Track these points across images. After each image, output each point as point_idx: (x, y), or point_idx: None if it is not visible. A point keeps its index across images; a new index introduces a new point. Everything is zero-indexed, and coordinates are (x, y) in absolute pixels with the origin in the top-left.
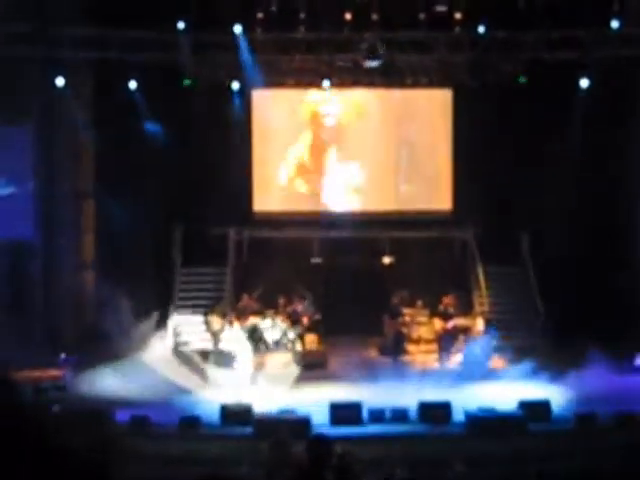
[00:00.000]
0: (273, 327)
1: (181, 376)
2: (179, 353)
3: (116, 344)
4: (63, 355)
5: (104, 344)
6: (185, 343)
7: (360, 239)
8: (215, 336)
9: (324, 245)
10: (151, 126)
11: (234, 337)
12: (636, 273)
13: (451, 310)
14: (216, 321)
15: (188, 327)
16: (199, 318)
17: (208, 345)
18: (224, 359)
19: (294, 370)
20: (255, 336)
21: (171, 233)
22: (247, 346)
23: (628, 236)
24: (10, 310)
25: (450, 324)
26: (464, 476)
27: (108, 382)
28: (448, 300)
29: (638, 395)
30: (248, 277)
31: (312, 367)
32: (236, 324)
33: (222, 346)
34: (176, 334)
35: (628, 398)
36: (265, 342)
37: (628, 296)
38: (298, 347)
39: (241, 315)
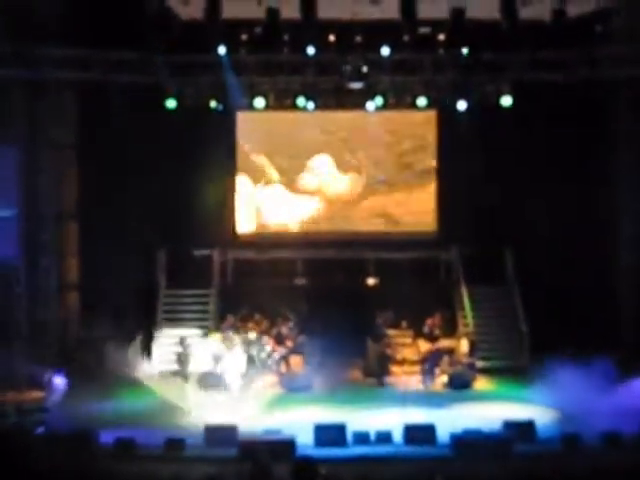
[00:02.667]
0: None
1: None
2: (164, 375)
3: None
4: (47, 376)
5: (87, 366)
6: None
7: (344, 260)
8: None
9: (308, 266)
10: None
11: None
12: (619, 291)
13: (437, 331)
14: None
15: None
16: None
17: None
18: (209, 380)
19: (274, 391)
20: (250, 351)
21: (155, 255)
22: (241, 364)
23: (612, 255)
24: None
25: (436, 346)
26: None
27: (93, 404)
28: (432, 321)
29: (623, 414)
30: (232, 299)
31: (297, 389)
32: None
33: (204, 366)
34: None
35: (613, 417)
36: (257, 359)
37: (612, 314)
38: (282, 369)
39: (226, 337)
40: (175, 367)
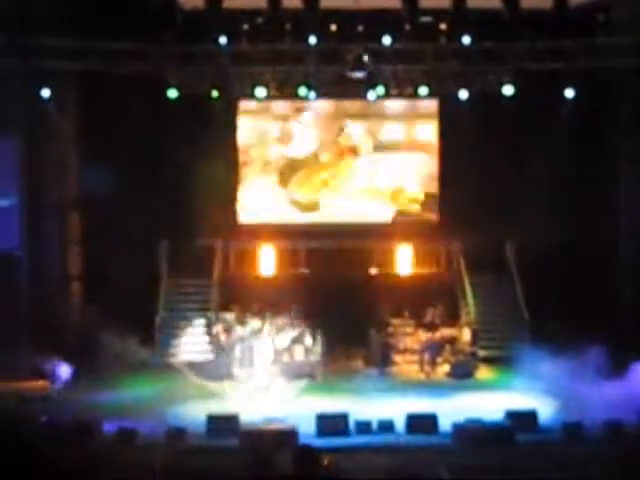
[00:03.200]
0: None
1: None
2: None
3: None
4: (50, 366)
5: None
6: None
7: (347, 250)
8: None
9: (311, 256)
10: None
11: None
12: (621, 281)
13: (437, 321)
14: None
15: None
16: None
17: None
18: (211, 370)
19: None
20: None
21: (157, 245)
22: (270, 352)
23: (613, 244)
24: None
25: (438, 335)
26: None
27: (96, 393)
28: (434, 310)
29: (625, 404)
30: (234, 288)
31: (299, 378)
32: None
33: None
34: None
35: (615, 407)
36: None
37: (613, 303)
38: (285, 358)
39: (228, 327)
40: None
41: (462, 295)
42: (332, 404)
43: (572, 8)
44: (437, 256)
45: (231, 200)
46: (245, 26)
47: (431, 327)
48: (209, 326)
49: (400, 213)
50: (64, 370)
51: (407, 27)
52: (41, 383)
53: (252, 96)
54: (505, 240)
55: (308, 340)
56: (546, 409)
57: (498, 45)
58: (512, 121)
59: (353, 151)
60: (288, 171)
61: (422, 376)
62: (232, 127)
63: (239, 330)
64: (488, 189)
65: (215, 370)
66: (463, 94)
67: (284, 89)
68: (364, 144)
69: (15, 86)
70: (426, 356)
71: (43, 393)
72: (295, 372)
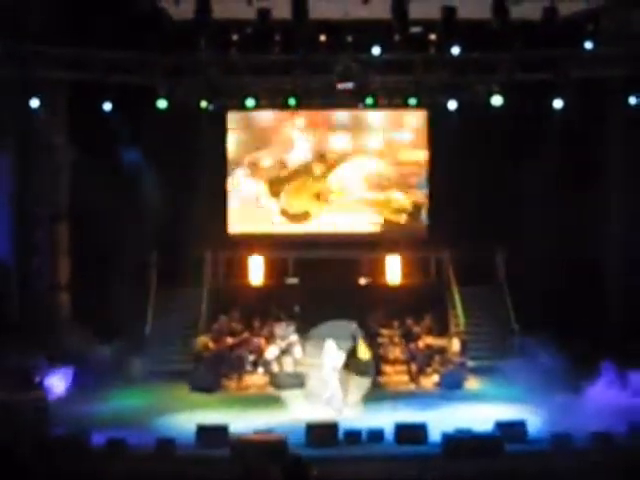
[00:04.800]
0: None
1: None
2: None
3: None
4: (39, 377)
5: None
6: None
7: (336, 260)
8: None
9: (300, 266)
10: (130, 155)
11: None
12: (608, 290)
13: (417, 330)
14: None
15: None
16: None
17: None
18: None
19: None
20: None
21: (147, 254)
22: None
23: (602, 256)
24: None
25: (421, 344)
26: None
27: (84, 404)
28: (414, 320)
29: (614, 414)
30: (224, 299)
31: (290, 388)
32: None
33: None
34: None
35: (604, 417)
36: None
37: (602, 314)
38: (275, 368)
39: (218, 337)
40: None
41: (451, 305)
42: (321, 414)
43: (561, 18)
44: (426, 266)
45: (221, 210)
46: (234, 37)
47: (410, 337)
48: (198, 336)
49: (388, 223)
50: (56, 381)
51: (396, 37)
52: (30, 394)
53: (241, 106)
54: (495, 250)
55: (298, 351)
56: (535, 420)
57: (487, 55)
58: (501, 131)
59: (341, 161)
60: (279, 181)
61: (412, 386)
62: (221, 137)
63: (229, 339)
64: (477, 199)
65: (204, 380)
66: (452, 104)
67: (273, 100)
68: (352, 154)
69: (6, 95)
70: (413, 366)
71: (32, 404)
72: (285, 383)
